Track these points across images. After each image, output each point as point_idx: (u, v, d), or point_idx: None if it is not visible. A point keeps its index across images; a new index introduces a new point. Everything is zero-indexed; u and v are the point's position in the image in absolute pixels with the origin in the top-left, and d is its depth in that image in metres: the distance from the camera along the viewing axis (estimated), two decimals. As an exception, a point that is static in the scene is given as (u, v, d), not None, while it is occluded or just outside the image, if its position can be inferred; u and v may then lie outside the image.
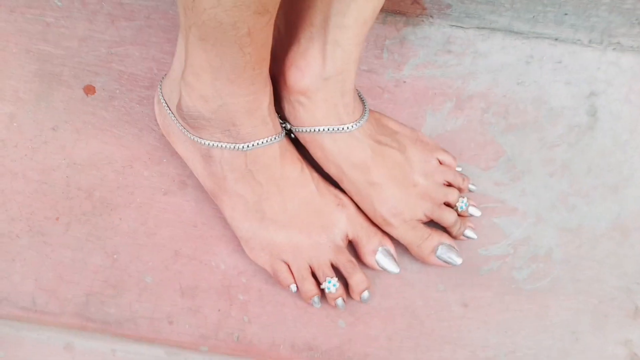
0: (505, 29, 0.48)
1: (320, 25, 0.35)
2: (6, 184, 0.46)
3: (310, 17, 0.36)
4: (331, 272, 0.41)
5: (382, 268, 0.42)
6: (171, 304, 0.44)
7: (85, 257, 0.45)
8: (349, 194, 0.43)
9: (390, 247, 0.42)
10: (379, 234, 0.42)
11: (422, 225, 0.42)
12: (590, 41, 0.48)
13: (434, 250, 0.42)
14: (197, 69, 0.34)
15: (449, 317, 0.44)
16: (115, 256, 0.45)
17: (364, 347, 0.43)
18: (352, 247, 0.43)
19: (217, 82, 0.34)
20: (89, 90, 0.49)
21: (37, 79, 0.49)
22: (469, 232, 0.43)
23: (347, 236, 0.42)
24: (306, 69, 0.37)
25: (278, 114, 0.42)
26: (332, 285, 0.41)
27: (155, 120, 0.48)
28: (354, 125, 0.40)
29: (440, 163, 0.44)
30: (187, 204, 0.46)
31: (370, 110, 0.43)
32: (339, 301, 0.42)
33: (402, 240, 0.43)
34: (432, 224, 0.43)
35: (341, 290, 0.42)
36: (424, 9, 0.48)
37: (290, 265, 0.41)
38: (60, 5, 0.51)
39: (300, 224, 0.41)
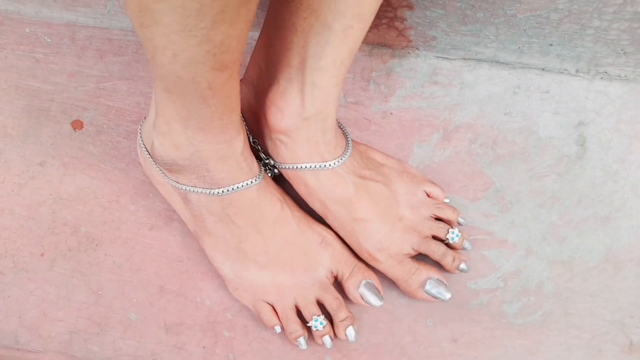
0: (492, 59, 0.48)
1: (297, 66, 0.36)
2: (-8, 220, 0.46)
3: (287, 58, 0.36)
4: (317, 309, 0.40)
5: (366, 301, 0.41)
6: (155, 341, 0.43)
7: (70, 294, 0.44)
8: (334, 229, 0.42)
9: (375, 280, 0.41)
10: (363, 268, 0.42)
11: (409, 260, 0.42)
12: (577, 71, 0.48)
13: (422, 285, 0.41)
14: (168, 117, 0.34)
15: (439, 353, 0.43)
16: (99, 292, 0.45)
17: (352, 385, 0.42)
18: (338, 283, 0.42)
19: (188, 131, 0.34)
20: (77, 125, 0.49)
21: (26, 115, 0.50)
22: (462, 265, 0.43)
23: (332, 272, 0.41)
24: (286, 109, 0.37)
25: (261, 148, 0.42)
26: (319, 323, 0.40)
27: (142, 154, 0.48)
28: (337, 162, 0.40)
29: (428, 195, 0.43)
30: (173, 238, 0.46)
31: (354, 142, 0.43)
32: (326, 339, 0.41)
33: (389, 275, 0.42)
34: (424, 258, 0.43)
35: (328, 328, 0.41)
36: (410, 41, 0.48)
37: (274, 306, 0.41)
38: (50, 41, 0.52)
39: (283, 263, 0.40)
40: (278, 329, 0.41)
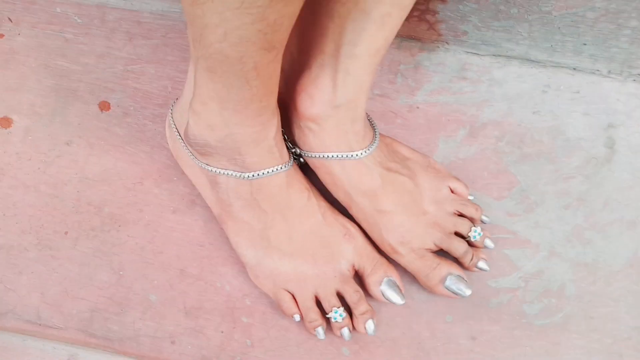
0: (522, 57, 0.47)
1: (331, 53, 0.35)
2: (19, 197, 0.47)
3: (322, 44, 0.35)
4: (337, 301, 0.40)
5: (386, 299, 0.41)
6: (174, 324, 0.44)
7: (92, 273, 0.45)
8: (357, 221, 0.42)
9: (396, 278, 0.41)
10: (385, 264, 0.41)
11: (430, 255, 0.41)
12: (609, 72, 0.47)
13: (442, 280, 0.41)
14: (205, 98, 0.34)
15: (456, 350, 0.43)
16: (121, 273, 0.45)
17: (368, 377, 0.42)
18: (359, 277, 0.42)
19: (224, 112, 0.34)
20: (104, 106, 0.50)
21: (54, 94, 0.50)
22: (482, 264, 0.42)
23: (353, 266, 0.41)
24: (317, 96, 0.37)
25: (288, 137, 0.42)
26: (338, 315, 0.40)
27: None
28: (364, 153, 0.39)
29: (452, 191, 0.43)
30: (195, 223, 0.46)
31: (381, 135, 0.43)
32: (345, 331, 0.41)
33: (409, 269, 0.42)
34: (443, 253, 0.43)
35: (347, 320, 0.41)
36: (440, 35, 0.47)
37: (294, 295, 0.41)
38: (80, 22, 0.52)
39: (306, 253, 0.40)
40: (297, 317, 0.41)
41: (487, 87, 0.48)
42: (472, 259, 0.42)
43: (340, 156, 0.39)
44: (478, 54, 0.48)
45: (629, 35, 0.43)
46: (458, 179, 0.44)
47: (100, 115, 0.49)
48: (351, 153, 0.39)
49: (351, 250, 0.41)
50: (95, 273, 0.45)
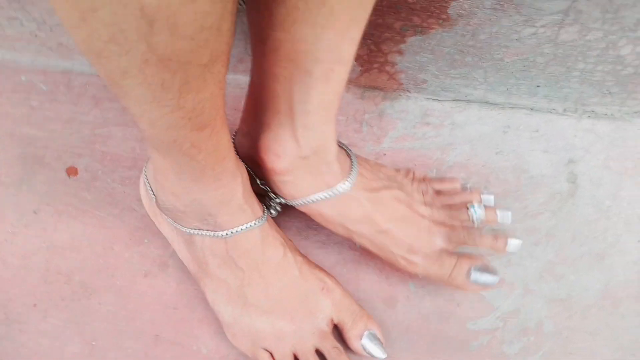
0: (481, 100, 0.49)
1: (286, 112, 0.36)
2: (-16, 271, 0.46)
3: (275, 105, 0.36)
4: (316, 359, 0.40)
5: (368, 353, 0.40)
6: (151, 393, 0.42)
7: (63, 345, 0.43)
8: (364, 247, 0.42)
9: (377, 330, 0.41)
10: (365, 316, 0.41)
11: (446, 254, 0.41)
12: (565, 110, 0.49)
13: (467, 275, 0.40)
14: (162, 170, 0.35)
15: (441, 398, 0.42)
16: (93, 343, 0.44)
17: None
18: (338, 331, 0.42)
19: (183, 183, 0.34)
20: (72, 171, 0.49)
21: (20, 162, 0.50)
22: (512, 242, 0.41)
23: (332, 321, 0.41)
24: (282, 153, 0.37)
25: (270, 189, 0.42)
26: None
27: (137, 200, 0.48)
28: (346, 186, 0.39)
29: (439, 191, 0.44)
30: (168, 285, 0.45)
31: (359, 158, 0.43)
32: None
33: (431, 277, 0.41)
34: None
35: None
36: (401, 84, 0.49)
37: (272, 353, 0.40)
38: (45, 89, 0.52)
39: (283, 309, 0.40)
40: None
41: (450, 131, 0.49)
42: (498, 242, 0.41)
43: (323, 197, 0.39)
44: (439, 100, 0.50)
45: (578, 76, 0.45)
46: (441, 180, 0.44)
47: (68, 181, 0.49)
48: (332, 190, 0.39)
49: (329, 304, 0.40)
50: (67, 345, 0.44)
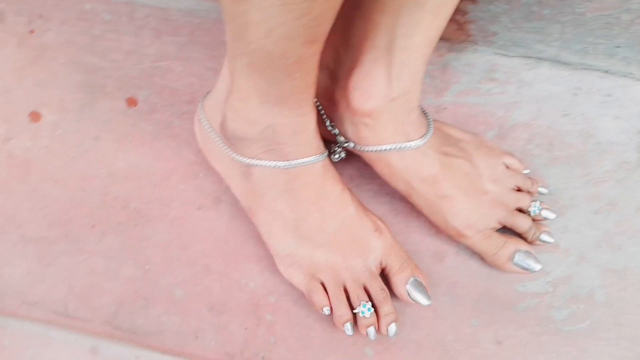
0: (553, 59, 0.47)
1: (385, 47, 0.35)
2: (47, 190, 0.47)
3: (373, 39, 0.35)
4: (365, 295, 0.40)
5: (412, 299, 0.40)
6: (199, 319, 0.44)
7: (118, 267, 0.45)
8: (418, 208, 0.42)
9: (423, 279, 0.41)
10: (412, 264, 0.41)
11: (496, 234, 0.41)
12: (643, 75, 0.46)
13: (511, 257, 0.41)
14: (244, 94, 0.34)
15: (482, 354, 0.42)
16: (147, 267, 0.45)
17: (391, 378, 0.42)
18: (385, 275, 0.42)
19: (265, 106, 0.34)
20: (132, 102, 0.50)
21: (82, 90, 0.51)
22: (545, 237, 0.42)
23: (380, 263, 0.41)
24: (372, 92, 0.37)
25: (340, 132, 0.42)
26: (367, 309, 0.40)
27: (194, 135, 0.48)
28: (421, 141, 0.39)
29: (507, 167, 0.43)
30: (221, 219, 0.46)
31: (433, 120, 0.43)
32: (371, 330, 0.40)
33: (476, 250, 0.42)
34: (505, 229, 0.42)
35: (374, 318, 0.40)
36: (469, 35, 0.47)
37: (325, 286, 0.41)
38: (109, 18, 0.53)
39: (337, 245, 0.40)
40: (327, 310, 0.40)
41: (517, 89, 0.47)
42: (534, 233, 0.42)
43: (398, 147, 0.39)
44: (507, 55, 0.48)
45: (665, 37, 0.42)
46: (512, 155, 0.43)
47: (127, 111, 0.50)
48: (409, 143, 0.39)
49: (380, 246, 0.41)
50: (122, 267, 0.45)
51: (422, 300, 0.40)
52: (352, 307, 0.41)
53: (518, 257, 0.41)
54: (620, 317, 0.42)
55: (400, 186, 0.42)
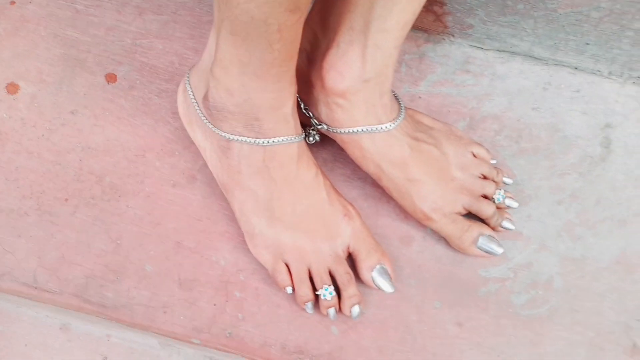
0: (525, 53, 0.48)
1: (360, 29, 0.36)
2: (21, 162, 0.47)
3: (350, 21, 0.36)
4: (329, 279, 0.41)
5: (377, 286, 0.42)
6: (168, 294, 0.45)
7: (89, 240, 0.46)
8: (387, 192, 0.44)
9: (389, 266, 0.42)
10: (380, 251, 0.42)
11: (461, 218, 0.43)
12: (610, 73, 0.48)
13: (475, 241, 0.43)
14: (226, 62, 0.35)
15: (443, 335, 0.43)
16: (118, 242, 0.46)
17: (355, 356, 0.43)
18: (352, 260, 0.43)
19: (244, 77, 0.35)
20: (111, 78, 0.50)
21: (62, 63, 0.51)
22: (506, 223, 0.44)
23: (348, 248, 0.42)
24: (346, 72, 0.38)
25: (314, 115, 0.43)
26: (328, 292, 0.41)
27: (172, 113, 0.49)
28: (393, 124, 0.40)
29: (475, 156, 0.44)
30: (194, 197, 0.47)
31: (405, 107, 0.44)
32: (331, 310, 0.42)
33: (442, 233, 0.44)
34: (469, 215, 0.44)
35: (335, 300, 0.42)
36: (446, 27, 0.48)
37: (290, 267, 0.41)
38: (92, -7, 0.52)
39: (306, 227, 0.41)
40: (289, 290, 0.41)
41: (489, 82, 0.48)
42: (497, 219, 0.43)
43: (370, 129, 0.40)
44: (482, 48, 0.49)
45: (631, 37, 0.44)
46: (480, 144, 0.45)
47: (106, 87, 0.50)
48: (380, 125, 0.40)
49: (349, 231, 0.42)
50: (93, 241, 0.46)
51: (387, 287, 0.42)
52: (315, 289, 0.42)
53: (482, 241, 0.43)
54: (575, 303, 0.44)
55: (371, 169, 0.43)
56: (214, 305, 0.44)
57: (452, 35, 0.49)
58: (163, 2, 0.52)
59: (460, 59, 0.49)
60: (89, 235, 0.46)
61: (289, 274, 0.41)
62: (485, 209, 0.43)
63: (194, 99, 0.42)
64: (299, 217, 0.41)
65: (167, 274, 0.45)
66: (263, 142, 0.39)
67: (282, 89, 0.36)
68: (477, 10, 0.45)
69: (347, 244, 0.42)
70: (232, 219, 0.46)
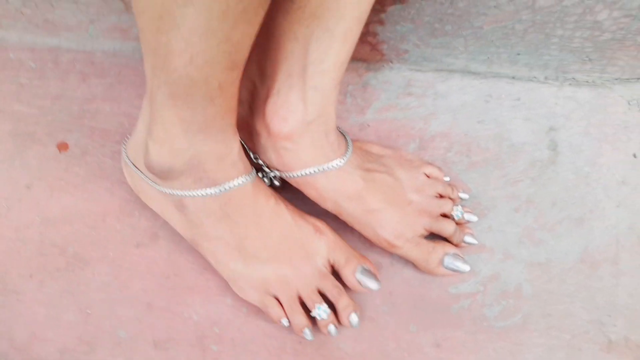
0: (463, 70, 0.50)
1: (298, 74, 0.37)
2: (-20, 244, 0.47)
3: (287, 67, 0.37)
4: (319, 298, 0.42)
5: (363, 287, 0.42)
6: (145, 358, 0.44)
7: (59, 314, 0.45)
8: (349, 224, 0.44)
9: (370, 266, 0.43)
10: (357, 255, 0.43)
11: (424, 241, 0.44)
12: (546, 78, 0.49)
13: (441, 261, 0.44)
14: (167, 124, 0.35)
15: (423, 358, 0.44)
16: (88, 311, 0.45)
17: (338, 393, 0.43)
18: (335, 272, 0.43)
19: (189, 134, 0.35)
20: (62, 147, 0.50)
21: (12, 138, 0.51)
22: (468, 238, 0.45)
23: (329, 262, 0.42)
24: (289, 116, 0.38)
25: (264, 162, 0.43)
26: (322, 311, 0.41)
27: (127, 173, 0.49)
28: (342, 160, 0.41)
29: (428, 176, 0.45)
30: (159, 255, 0.47)
31: (352, 140, 0.45)
32: (331, 327, 0.42)
33: (409, 259, 0.44)
34: (432, 236, 0.45)
35: (332, 317, 0.42)
36: (383, 54, 0.49)
37: (279, 299, 0.42)
38: (34, 66, 0.53)
39: (283, 256, 0.41)
40: (285, 322, 0.42)
41: (432, 101, 0.50)
42: (459, 235, 0.44)
43: (320, 169, 0.41)
44: (421, 70, 0.50)
45: (557, 43, 0.45)
46: (431, 164, 0.46)
47: (59, 156, 0.50)
48: (330, 164, 0.41)
49: (324, 245, 0.42)
50: (63, 313, 0.45)
51: (372, 285, 0.42)
52: (309, 312, 0.42)
53: (447, 260, 0.44)
54: (547, 308, 0.45)
55: (329, 206, 0.43)
56: (192, 362, 0.44)
57: (391, 62, 0.50)
58: (106, 65, 0.53)
59: (401, 83, 0.50)
60: (58, 309, 0.45)
61: (280, 306, 0.42)
62: (446, 228, 0.44)
63: (137, 169, 0.42)
64: (272, 248, 0.41)
65: (141, 337, 0.45)
66: (216, 192, 0.39)
67: (227, 139, 0.37)
68: (408, 36, 0.47)
69: (326, 258, 0.42)
70: (200, 271, 0.46)
